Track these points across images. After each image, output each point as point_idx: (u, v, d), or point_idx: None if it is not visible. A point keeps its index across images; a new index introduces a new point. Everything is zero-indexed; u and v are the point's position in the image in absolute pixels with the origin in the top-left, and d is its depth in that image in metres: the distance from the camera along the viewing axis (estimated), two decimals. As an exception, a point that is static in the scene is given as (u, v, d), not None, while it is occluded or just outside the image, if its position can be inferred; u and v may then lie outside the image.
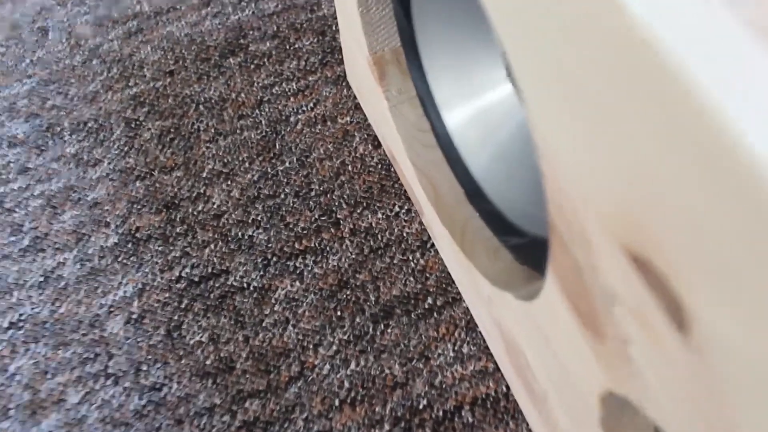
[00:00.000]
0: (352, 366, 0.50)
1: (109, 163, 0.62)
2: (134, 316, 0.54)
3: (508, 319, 0.42)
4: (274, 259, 0.55)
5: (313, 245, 0.56)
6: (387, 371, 0.50)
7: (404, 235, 0.55)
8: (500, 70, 0.45)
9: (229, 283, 0.54)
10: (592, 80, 0.21)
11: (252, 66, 0.68)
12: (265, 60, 0.68)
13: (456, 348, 0.50)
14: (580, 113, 0.23)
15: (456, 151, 0.47)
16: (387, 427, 0.48)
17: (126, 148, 0.63)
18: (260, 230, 0.57)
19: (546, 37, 0.23)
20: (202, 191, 0.59)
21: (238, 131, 0.63)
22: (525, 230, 0.42)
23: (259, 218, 0.57)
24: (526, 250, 0.42)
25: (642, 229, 0.22)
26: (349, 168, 0.59)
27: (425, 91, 0.48)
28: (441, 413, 0.48)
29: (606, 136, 0.22)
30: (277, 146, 0.61)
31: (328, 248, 0.55)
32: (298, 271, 0.54)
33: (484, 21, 0.44)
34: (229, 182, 0.60)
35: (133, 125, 0.65)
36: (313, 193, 0.58)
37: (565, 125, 0.24)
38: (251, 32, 0.71)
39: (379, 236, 0.56)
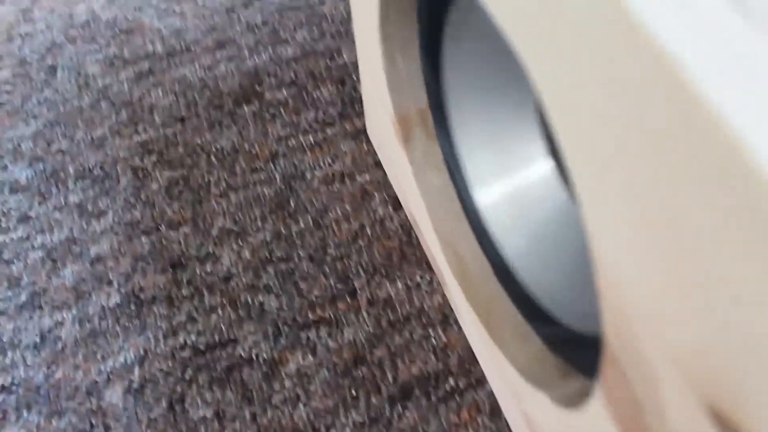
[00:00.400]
0: (367, 452, 0.47)
1: (113, 215, 0.59)
2: (135, 386, 0.50)
3: (540, 418, 0.39)
4: (286, 329, 0.52)
5: (327, 315, 0.52)
6: (404, 459, 0.46)
7: (425, 308, 0.52)
8: (538, 142, 0.42)
9: (236, 353, 0.51)
10: (678, 188, 0.18)
11: (267, 115, 0.65)
12: (281, 109, 0.65)
13: (479, 436, 0.47)
14: (659, 225, 0.20)
15: (485, 225, 0.44)
16: None
17: (132, 200, 0.60)
18: (272, 296, 0.53)
19: (613, 124, 0.20)
20: (210, 250, 0.56)
21: (250, 186, 0.60)
22: (560, 320, 0.39)
23: (270, 283, 0.54)
24: (562, 343, 0.38)
25: (733, 388, 0.19)
26: (368, 231, 0.56)
27: (453, 159, 0.45)
28: None
29: (692, 261, 0.18)
30: (292, 204, 0.58)
31: (343, 319, 0.52)
32: (311, 344, 0.51)
33: (522, 87, 0.41)
34: (239, 242, 0.56)
35: (140, 175, 0.61)
36: (328, 258, 0.55)
37: (634, 237, 0.21)
38: (267, 79, 0.68)
39: (398, 308, 0.52)
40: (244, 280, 0.54)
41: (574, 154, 0.23)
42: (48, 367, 0.51)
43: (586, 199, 0.23)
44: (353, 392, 0.49)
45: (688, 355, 0.20)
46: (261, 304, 0.53)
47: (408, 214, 0.55)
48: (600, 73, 0.20)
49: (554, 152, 0.41)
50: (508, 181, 0.43)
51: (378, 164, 0.60)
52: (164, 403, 0.49)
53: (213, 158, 0.62)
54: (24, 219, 0.60)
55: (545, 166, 0.42)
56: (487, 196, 0.44)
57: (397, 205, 0.57)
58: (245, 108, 0.66)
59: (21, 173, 0.63)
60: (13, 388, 0.51)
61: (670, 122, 0.17)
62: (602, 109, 0.20)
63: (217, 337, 0.52)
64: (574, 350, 0.37)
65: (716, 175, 0.16)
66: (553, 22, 0.22)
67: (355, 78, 0.67)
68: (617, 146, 0.20)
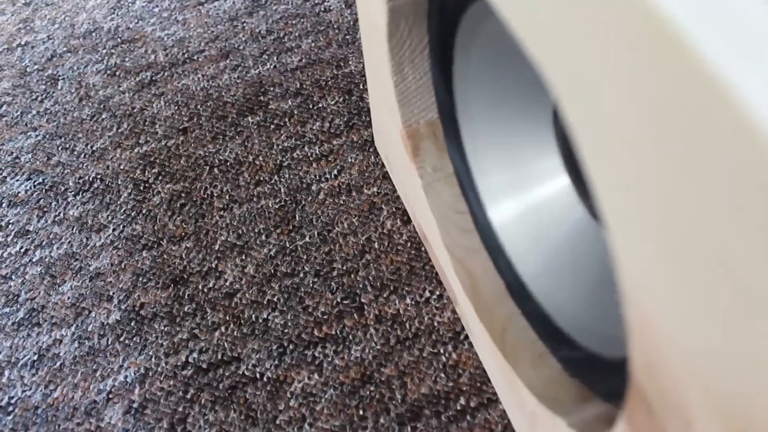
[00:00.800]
0: (375, 476, 0.45)
1: (114, 229, 0.57)
2: (135, 406, 0.49)
3: (558, 443, 0.37)
4: (291, 346, 0.50)
5: (334, 333, 0.50)
6: (414, 483, 0.45)
7: (435, 324, 0.50)
8: (554, 157, 0.40)
9: (240, 372, 0.49)
10: (722, 210, 0.16)
11: (272, 126, 0.63)
12: (286, 120, 0.64)
13: (491, 459, 0.45)
14: (698, 254, 0.18)
15: (498, 241, 0.42)
16: None
17: (133, 213, 0.58)
18: (276, 313, 0.52)
19: (645, 135, 0.18)
20: (213, 266, 0.54)
21: (254, 199, 0.58)
22: (578, 341, 0.37)
23: (275, 299, 0.52)
24: (581, 366, 0.37)
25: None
26: (376, 246, 0.54)
27: (465, 173, 0.43)
28: None
29: (737, 296, 0.17)
30: (297, 218, 0.57)
31: (350, 337, 0.50)
32: (316, 362, 0.49)
33: (537, 100, 0.40)
34: (243, 257, 0.55)
35: (141, 188, 0.60)
36: (335, 273, 0.53)
37: (671, 267, 0.19)
38: (272, 89, 0.66)
39: (407, 325, 0.50)
40: (247, 296, 0.53)
41: (600, 171, 0.22)
42: (46, 387, 0.50)
43: (614, 223, 0.22)
44: (361, 412, 0.47)
45: (729, 404, 0.19)
46: (265, 321, 0.51)
47: (417, 228, 0.54)
48: (628, 80, 0.18)
49: (572, 167, 0.39)
50: (523, 197, 0.41)
51: (386, 176, 0.58)
52: (165, 424, 0.48)
53: (216, 170, 0.60)
54: (22, 233, 0.58)
55: (562, 181, 0.40)
56: (500, 212, 0.42)
57: (406, 219, 0.56)
58: (249, 119, 0.64)
59: (20, 186, 0.61)
60: (10, 408, 0.49)
61: (709, 135, 0.16)
62: (631, 121, 0.19)
63: (220, 355, 0.50)
64: (593, 374, 0.35)
65: (762, 198, 0.15)
66: (575, 26, 0.20)
67: (362, 87, 0.65)
68: (650, 161, 0.19)
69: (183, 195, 0.59)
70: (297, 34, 0.71)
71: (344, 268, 0.54)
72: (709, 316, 0.18)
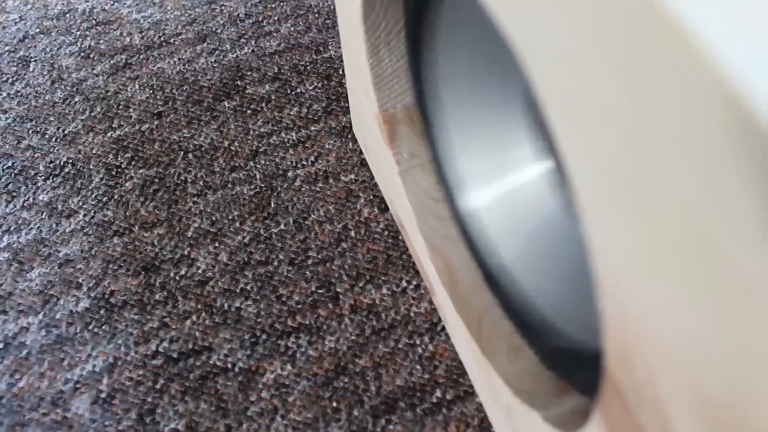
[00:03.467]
0: (348, 469, 0.44)
1: (85, 215, 0.56)
2: (103, 395, 0.47)
3: (534, 437, 0.36)
4: (264, 336, 0.49)
5: (308, 322, 0.49)
6: (387, 477, 0.44)
7: (411, 315, 0.49)
8: (533, 143, 0.39)
9: (211, 362, 0.48)
10: (698, 189, 0.15)
11: (248, 111, 0.62)
12: (263, 105, 0.62)
13: (467, 452, 0.44)
14: (673, 234, 0.17)
15: (476, 230, 0.41)
16: None
17: (105, 199, 0.57)
18: (249, 302, 0.50)
19: (621, 114, 0.17)
20: (186, 253, 0.53)
21: (229, 185, 0.57)
22: (556, 333, 0.36)
23: (248, 288, 0.51)
24: (558, 358, 0.36)
25: (752, 422, 0.16)
26: (352, 234, 0.53)
27: (442, 160, 0.42)
28: None
29: (713, 277, 0.16)
30: (272, 205, 0.55)
31: (324, 327, 0.49)
32: (290, 352, 0.48)
33: (516, 83, 0.38)
34: (216, 244, 0.53)
35: (114, 173, 0.58)
36: (310, 262, 0.52)
37: (644, 249, 0.18)
38: (249, 73, 0.65)
39: (382, 315, 0.49)
40: (220, 284, 0.51)
41: (574, 153, 0.20)
42: (11, 376, 0.49)
43: (589, 204, 0.21)
44: (334, 404, 0.46)
45: (706, 391, 0.18)
46: (238, 309, 0.50)
47: (394, 216, 0.53)
48: (604, 57, 0.17)
49: (551, 153, 0.38)
50: (501, 183, 0.40)
51: (364, 163, 0.57)
52: (134, 414, 0.46)
53: (191, 156, 0.59)
54: (-10, 218, 0.57)
55: (540, 167, 0.39)
56: (478, 200, 0.41)
57: (384, 207, 0.55)
58: (225, 103, 0.63)
59: (-11, 170, 0.60)
60: (-26, 397, 0.48)
61: (692, 114, 0.15)
62: (607, 99, 0.18)
63: (191, 345, 0.49)
64: (570, 366, 0.34)
65: (739, 171, 0.14)
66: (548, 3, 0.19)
67: (341, 73, 0.64)
68: (628, 141, 0.18)
69: (156, 180, 0.58)
70: (276, 18, 0.70)
71: (319, 256, 0.52)
72: (688, 304, 0.17)
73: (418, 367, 0.47)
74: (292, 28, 0.68)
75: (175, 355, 0.49)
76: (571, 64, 0.19)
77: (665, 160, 0.16)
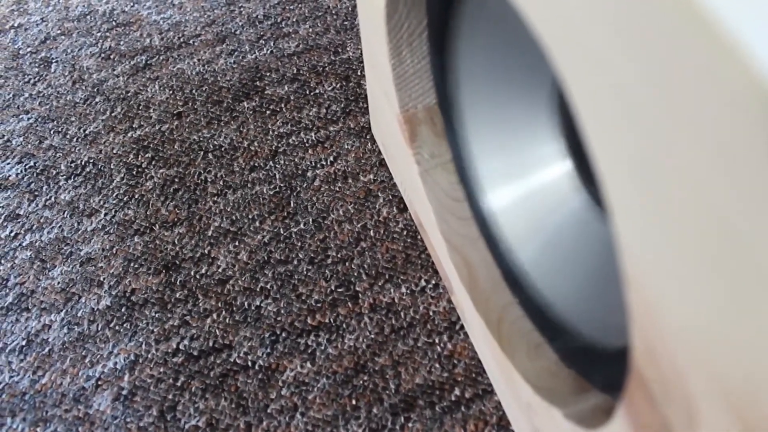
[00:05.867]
0: (367, 466, 0.44)
1: (106, 214, 0.57)
2: (124, 393, 0.48)
3: (554, 435, 0.36)
4: (284, 334, 0.49)
5: (327, 321, 0.50)
6: (406, 474, 0.44)
7: (430, 314, 0.49)
8: (555, 142, 0.39)
9: (231, 359, 0.48)
10: (735, 194, 0.16)
11: (267, 112, 0.62)
12: (283, 106, 0.63)
13: (486, 451, 0.44)
14: (709, 236, 0.17)
15: (496, 230, 0.41)
16: None
17: (125, 198, 0.57)
18: (269, 300, 0.51)
19: (655, 114, 0.18)
20: (206, 252, 0.54)
21: (249, 185, 0.57)
22: (576, 332, 0.36)
23: (268, 286, 0.51)
24: (578, 356, 0.36)
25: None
26: (371, 233, 0.54)
27: (462, 159, 0.43)
28: None
29: (749, 279, 0.16)
30: (292, 204, 0.56)
31: (344, 325, 0.49)
32: (309, 351, 0.48)
33: (539, 83, 0.39)
34: (236, 243, 0.54)
35: (134, 172, 0.59)
36: (329, 261, 0.52)
37: (679, 249, 0.18)
38: (268, 74, 0.65)
39: (402, 314, 0.50)
40: (240, 283, 0.52)
41: (605, 152, 0.21)
42: (34, 372, 0.49)
43: (618, 204, 0.21)
44: (353, 402, 0.46)
45: (733, 383, 0.18)
46: (258, 308, 0.51)
47: (413, 216, 0.53)
48: (636, 55, 0.17)
49: (573, 152, 0.38)
50: (522, 183, 0.40)
51: (382, 163, 0.58)
52: (155, 411, 0.47)
53: (210, 156, 0.59)
54: (12, 217, 0.57)
55: (562, 167, 0.39)
56: (498, 199, 0.41)
57: (402, 207, 0.55)
58: (245, 104, 0.63)
59: (11, 170, 0.60)
60: (-2, 393, 0.48)
61: (718, 94, 0.15)
62: (635, 88, 0.18)
63: (211, 343, 0.49)
64: (589, 364, 0.34)
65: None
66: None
67: (359, 74, 0.64)
68: (658, 138, 0.18)
69: (176, 180, 0.58)
70: (294, 19, 0.70)
71: (339, 255, 0.53)
72: (716, 296, 0.17)
73: (437, 365, 0.47)
74: (310, 30, 0.69)
75: (195, 353, 0.49)
76: (603, 62, 0.19)
77: (694, 156, 0.16)
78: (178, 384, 0.48)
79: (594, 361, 0.34)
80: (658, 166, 0.18)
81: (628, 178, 0.20)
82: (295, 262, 0.53)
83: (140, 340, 0.50)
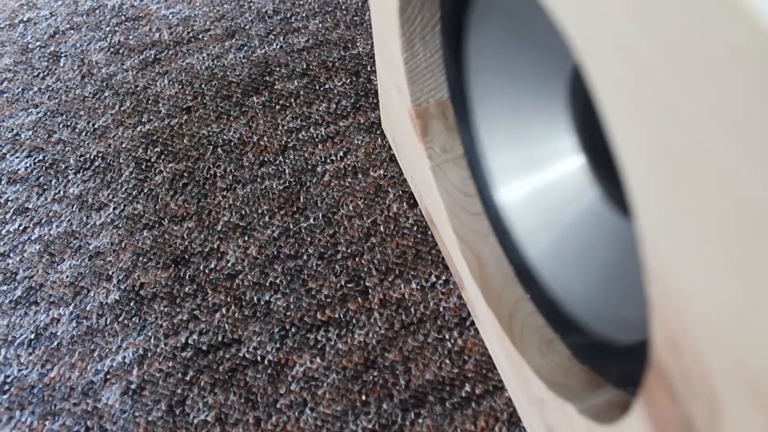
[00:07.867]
0: (377, 462, 0.44)
1: (115, 208, 0.56)
2: (133, 387, 0.48)
3: (565, 430, 0.36)
4: (293, 329, 0.49)
5: (337, 316, 0.49)
6: (416, 470, 0.44)
7: (440, 309, 0.49)
8: (568, 137, 0.39)
9: (241, 354, 0.48)
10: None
11: (277, 107, 0.62)
12: (292, 101, 0.62)
13: (496, 447, 0.44)
14: (728, 226, 0.17)
15: (507, 225, 0.41)
16: None
17: (134, 192, 0.57)
18: (279, 295, 0.51)
19: (684, 103, 0.17)
20: (215, 246, 0.53)
21: (258, 180, 0.57)
22: (587, 326, 0.36)
23: (278, 281, 0.51)
24: (591, 351, 0.36)
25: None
26: (381, 229, 0.53)
27: (474, 154, 0.42)
28: None
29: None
30: (302, 199, 0.55)
31: (354, 321, 0.49)
32: (319, 346, 0.48)
33: (552, 77, 0.38)
34: (246, 238, 0.54)
35: (143, 166, 0.59)
36: (339, 256, 0.52)
37: (699, 241, 0.18)
38: (278, 69, 0.65)
39: (412, 309, 0.49)
40: (249, 277, 0.52)
41: (628, 141, 0.20)
42: (43, 366, 0.49)
43: (641, 196, 0.21)
44: (363, 397, 0.46)
45: (758, 374, 0.17)
46: (267, 303, 0.50)
47: (424, 212, 0.53)
48: (660, 44, 0.17)
49: (586, 147, 0.38)
50: (534, 178, 0.40)
51: (392, 159, 0.57)
52: (163, 406, 0.47)
53: (220, 150, 0.59)
54: (21, 211, 0.57)
55: (575, 162, 0.39)
56: (510, 194, 0.41)
57: (413, 202, 0.55)
58: (254, 99, 0.63)
59: (20, 163, 0.60)
60: (6, 387, 0.48)
61: (761, 103, 0.15)
62: (667, 85, 0.18)
63: (220, 337, 0.49)
64: (602, 360, 0.34)
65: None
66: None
67: (369, 69, 0.64)
68: (682, 127, 0.17)
69: (185, 174, 0.58)
70: (304, 15, 0.70)
71: (349, 251, 0.52)
72: (742, 285, 0.17)
73: (448, 361, 0.47)
74: (320, 25, 0.68)
75: (204, 348, 0.49)
76: (626, 51, 0.19)
77: (721, 144, 0.16)
78: (187, 378, 0.48)
79: (607, 356, 0.33)
80: (684, 155, 0.18)
81: (652, 168, 0.19)
82: (305, 257, 0.52)
83: (149, 334, 0.50)
